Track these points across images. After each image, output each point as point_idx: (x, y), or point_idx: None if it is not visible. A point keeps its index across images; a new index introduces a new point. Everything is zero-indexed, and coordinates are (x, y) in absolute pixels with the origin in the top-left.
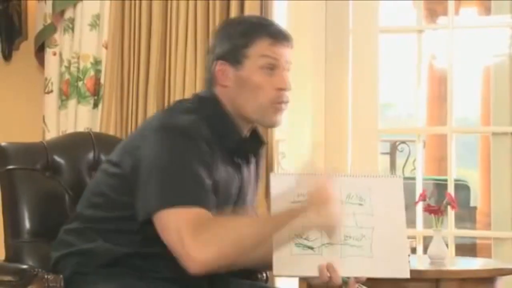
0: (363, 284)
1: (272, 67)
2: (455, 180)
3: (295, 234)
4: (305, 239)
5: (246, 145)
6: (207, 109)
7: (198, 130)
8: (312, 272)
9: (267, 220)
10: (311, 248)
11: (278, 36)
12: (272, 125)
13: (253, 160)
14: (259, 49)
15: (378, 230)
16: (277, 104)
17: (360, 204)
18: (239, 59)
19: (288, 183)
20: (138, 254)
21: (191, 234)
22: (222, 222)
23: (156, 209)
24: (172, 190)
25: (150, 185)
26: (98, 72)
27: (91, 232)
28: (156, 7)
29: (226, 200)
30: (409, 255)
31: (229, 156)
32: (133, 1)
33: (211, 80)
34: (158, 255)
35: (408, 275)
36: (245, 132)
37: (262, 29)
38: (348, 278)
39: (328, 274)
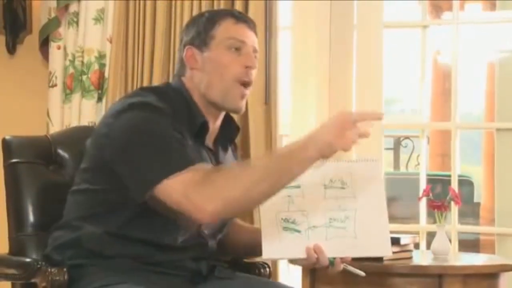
0: (349, 263)
1: (239, 48)
2: (459, 176)
3: (282, 218)
4: (292, 222)
5: (206, 127)
6: (171, 93)
7: (163, 106)
8: (300, 254)
9: (271, 161)
10: (298, 231)
11: (241, 17)
12: (235, 109)
13: (231, 149)
14: (224, 29)
15: (361, 212)
16: (242, 84)
17: (342, 188)
18: (205, 41)
19: None
20: (124, 236)
21: (196, 192)
22: (223, 173)
23: (155, 183)
24: (161, 161)
25: (138, 164)
26: (102, 66)
27: (77, 222)
28: (161, 1)
29: None
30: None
31: (200, 140)
32: None
33: (180, 69)
34: (140, 238)
35: (390, 253)
36: (216, 121)
37: (225, 12)
38: (334, 258)
39: (316, 256)
